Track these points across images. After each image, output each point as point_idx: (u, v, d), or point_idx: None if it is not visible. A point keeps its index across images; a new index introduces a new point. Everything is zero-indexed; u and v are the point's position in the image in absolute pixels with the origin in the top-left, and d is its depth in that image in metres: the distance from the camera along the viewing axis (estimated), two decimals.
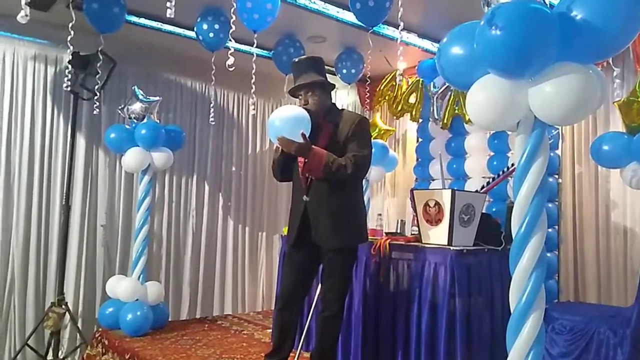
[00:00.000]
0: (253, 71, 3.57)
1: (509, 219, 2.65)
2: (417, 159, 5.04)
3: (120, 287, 3.94)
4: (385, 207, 5.51)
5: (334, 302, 2.77)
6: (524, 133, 1.85)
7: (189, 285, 4.99)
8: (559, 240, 3.98)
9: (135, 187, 4.53)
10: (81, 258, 4.37)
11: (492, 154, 4.33)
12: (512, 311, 1.85)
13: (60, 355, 4.02)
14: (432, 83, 4.58)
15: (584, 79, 1.68)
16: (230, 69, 3.09)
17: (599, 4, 1.65)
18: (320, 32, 4.34)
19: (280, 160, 2.82)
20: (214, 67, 3.86)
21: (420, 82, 4.67)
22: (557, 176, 4.02)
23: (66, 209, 4.11)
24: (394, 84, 4.78)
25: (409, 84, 4.78)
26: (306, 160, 2.64)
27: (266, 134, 5.33)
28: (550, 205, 3.89)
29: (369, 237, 3.03)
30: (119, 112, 4.22)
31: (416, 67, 4.58)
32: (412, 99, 4.77)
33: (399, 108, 4.83)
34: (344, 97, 5.88)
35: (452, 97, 4.46)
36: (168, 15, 2.57)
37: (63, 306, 3.96)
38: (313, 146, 2.62)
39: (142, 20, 4.06)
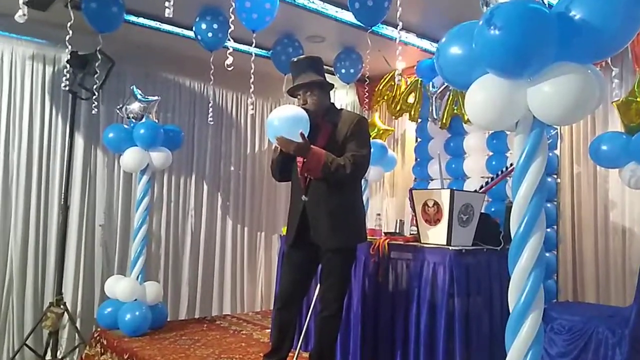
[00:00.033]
0: (252, 71, 3.57)
1: (507, 219, 2.66)
2: (416, 159, 5.04)
3: (118, 287, 3.94)
4: (384, 207, 5.51)
5: (332, 302, 2.77)
6: (522, 133, 1.85)
7: (188, 285, 4.98)
8: (557, 240, 3.98)
9: (134, 186, 4.53)
10: (80, 258, 4.36)
11: (490, 153, 4.33)
12: (511, 311, 1.85)
13: (59, 355, 4.02)
14: (430, 83, 4.58)
15: (583, 78, 1.68)
16: (229, 69, 3.08)
17: (598, 4, 1.65)
18: (319, 32, 4.34)
19: (279, 160, 2.82)
20: (212, 67, 3.86)
21: (419, 82, 4.67)
22: (555, 176, 4.02)
23: (64, 208, 4.10)
24: (393, 83, 4.78)
25: (408, 83, 4.78)
26: (305, 160, 2.63)
27: (265, 133, 5.34)
28: (549, 205, 3.89)
29: (368, 237, 3.03)
30: (118, 111, 4.22)
31: (415, 67, 4.58)
32: (410, 99, 4.77)
33: (398, 108, 4.84)
34: (343, 97, 5.88)
35: (451, 97, 4.46)
36: (167, 15, 2.57)
37: (61, 306, 3.95)
38: (312, 146, 2.62)
39: (141, 20, 4.06)
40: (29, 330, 3.98)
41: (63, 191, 4.13)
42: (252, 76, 3.59)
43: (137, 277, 4.03)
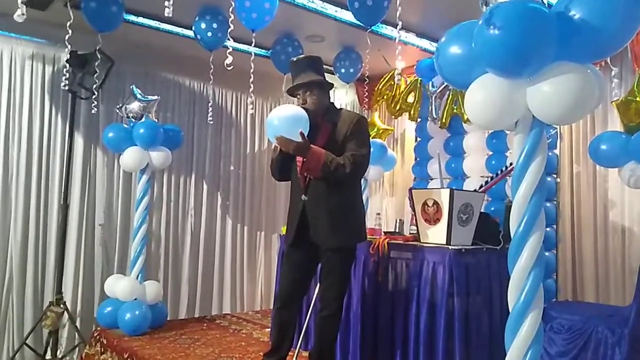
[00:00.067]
0: (251, 70, 3.57)
1: (507, 218, 2.67)
2: (416, 159, 5.04)
3: (118, 286, 3.94)
4: (384, 206, 5.51)
5: (332, 301, 2.77)
6: (522, 132, 1.85)
7: (188, 285, 4.98)
8: (557, 240, 3.98)
9: (134, 186, 4.53)
10: (79, 257, 4.36)
11: (490, 153, 4.33)
12: (510, 310, 1.85)
13: (59, 354, 4.02)
14: (430, 82, 4.58)
15: (582, 78, 1.68)
16: (229, 68, 3.08)
17: (597, 4, 1.65)
18: (319, 32, 4.34)
19: (278, 159, 2.82)
20: (212, 66, 3.85)
21: (419, 81, 4.67)
22: (555, 175, 4.02)
23: (64, 208, 4.10)
24: (393, 83, 4.78)
25: (408, 83, 4.78)
26: (304, 159, 2.63)
27: (264, 133, 5.34)
28: (548, 204, 3.88)
29: (368, 237, 3.03)
30: (117, 111, 4.21)
31: (414, 67, 4.58)
32: (410, 99, 4.77)
33: (398, 107, 4.84)
34: (343, 97, 5.88)
35: (450, 96, 4.46)
36: (166, 14, 2.56)
37: (61, 305, 3.95)
38: (311, 145, 2.62)
39: (140, 19, 4.06)
40: (28, 329, 3.98)
41: (63, 191, 4.13)
42: (252, 76, 3.59)
43: (137, 276, 4.03)
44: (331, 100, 2.94)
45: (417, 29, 4.18)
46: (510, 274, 1.86)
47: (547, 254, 3.76)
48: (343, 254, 2.78)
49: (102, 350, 3.80)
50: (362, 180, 3.86)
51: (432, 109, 4.57)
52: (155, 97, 4.18)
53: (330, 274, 2.78)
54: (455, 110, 4.46)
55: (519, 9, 1.64)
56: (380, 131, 4.94)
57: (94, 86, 3.79)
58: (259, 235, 5.56)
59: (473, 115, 1.90)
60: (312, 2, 3.70)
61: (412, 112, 4.78)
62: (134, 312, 3.85)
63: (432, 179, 4.77)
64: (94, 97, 3.80)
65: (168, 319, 4.39)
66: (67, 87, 3.73)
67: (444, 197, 3.06)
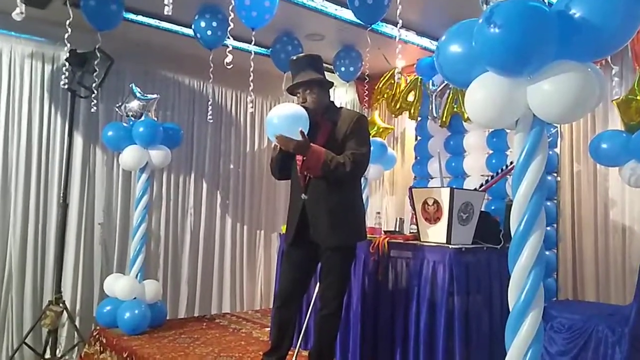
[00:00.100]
0: (251, 69, 3.56)
1: (507, 217, 2.66)
2: (416, 157, 5.04)
3: (118, 285, 3.93)
4: (384, 205, 5.50)
5: (332, 300, 2.77)
6: (522, 131, 1.85)
7: (187, 284, 4.98)
8: (557, 239, 3.98)
9: (133, 185, 4.52)
10: (79, 256, 4.35)
11: (490, 152, 4.32)
12: (510, 309, 1.85)
13: (58, 353, 4.02)
14: (430, 81, 4.58)
15: (583, 77, 1.68)
16: (228, 67, 3.07)
17: (598, 2, 1.65)
18: (319, 30, 4.33)
19: (278, 158, 2.82)
20: (212, 65, 3.85)
21: (419, 80, 4.67)
22: (555, 174, 4.02)
23: (64, 207, 4.10)
24: (393, 82, 4.78)
25: (408, 82, 4.77)
26: (304, 158, 2.63)
27: (264, 131, 5.34)
28: (548, 203, 3.88)
29: (368, 236, 3.03)
30: (117, 109, 4.21)
31: (415, 65, 4.57)
32: (410, 97, 4.76)
33: (398, 106, 4.83)
34: (343, 95, 5.88)
35: (450, 95, 4.46)
36: (166, 13, 2.55)
37: (60, 304, 3.94)
38: (311, 144, 2.62)
39: (140, 18, 4.04)
40: (28, 328, 3.98)
41: (62, 189, 4.13)
42: (252, 74, 3.58)
43: (137, 275, 4.02)
44: (331, 99, 2.94)
45: (417, 28, 4.16)
46: (511, 273, 1.85)
47: (547, 253, 3.76)
48: (343, 252, 2.78)
49: (102, 349, 3.80)
50: (362, 179, 3.85)
51: (432, 107, 4.56)
52: (155, 95, 4.18)
53: (330, 273, 2.78)
54: (455, 109, 4.45)
55: (520, 8, 1.64)
56: (381, 130, 4.94)
57: (94, 85, 3.78)
58: (258, 234, 5.56)
59: (473, 114, 1.89)
60: (312, 0, 3.69)
61: (412, 111, 4.77)
62: (134, 311, 3.85)
63: (432, 178, 4.77)
64: (93, 95, 3.79)
65: (167, 318, 4.39)
66: (66, 86, 3.73)
67: (444, 196, 3.06)
